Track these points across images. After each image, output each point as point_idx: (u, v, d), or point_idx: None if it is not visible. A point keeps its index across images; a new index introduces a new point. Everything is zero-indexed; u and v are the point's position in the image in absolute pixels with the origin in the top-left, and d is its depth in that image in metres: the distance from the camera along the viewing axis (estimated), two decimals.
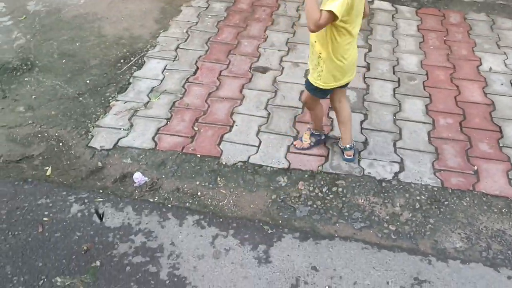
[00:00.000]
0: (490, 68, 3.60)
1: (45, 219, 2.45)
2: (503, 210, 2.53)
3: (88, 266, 2.23)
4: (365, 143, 2.94)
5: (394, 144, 2.93)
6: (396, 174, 2.74)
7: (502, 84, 3.44)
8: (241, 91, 3.37)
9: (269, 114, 3.17)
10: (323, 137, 2.89)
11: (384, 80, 3.49)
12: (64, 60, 3.68)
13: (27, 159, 2.86)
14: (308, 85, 2.58)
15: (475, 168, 2.77)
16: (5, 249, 2.30)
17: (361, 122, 3.10)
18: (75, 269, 2.21)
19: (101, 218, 2.46)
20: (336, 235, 2.41)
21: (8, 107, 3.24)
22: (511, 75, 3.54)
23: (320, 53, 2.39)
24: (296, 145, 2.88)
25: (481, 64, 3.66)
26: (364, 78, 3.50)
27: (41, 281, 2.16)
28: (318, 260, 2.28)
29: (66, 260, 2.25)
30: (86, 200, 2.57)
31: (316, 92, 2.58)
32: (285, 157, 2.85)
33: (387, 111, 3.19)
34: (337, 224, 2.47)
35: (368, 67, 3.61)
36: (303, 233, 2.41)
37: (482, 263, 2.28)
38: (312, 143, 2.87)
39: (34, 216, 2.47)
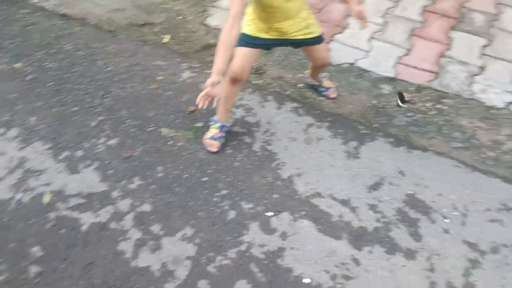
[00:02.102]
0: None
1: (159, 78, 2.67)
2: None
3: (191, 124, 2.43)
4: (482, 68, 2.77)
5: None
6: (509, 104, 2.58)
7: None
8: None
9: (386, 22, 3.06)
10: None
11: None
12: None
13: (148, 25, 3.06)
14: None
15: None
16: (123, 95, 2.55)
17: (483, 47, 2.90)
18: (179, 125, 2.43)
19: (401, 101, 2.55)
20: (430, 148, 2.38)
21: None
22: None
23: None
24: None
25: None
26: (497, 3, 3.21)
27: (150, 128, 2.40)
28: (407, 166, 2.29)
29: (173, 116, 2.47)
30: (197, 70, 2.73)
31: None
32: (393, 67, 2.78)
33: None
34: (433, 140, 2.43)
35: None
36: (397, 140, 2.41)
37: None
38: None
39: (150, 73, 2.69)
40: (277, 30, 2.08)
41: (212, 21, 3.07)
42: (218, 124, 2.34)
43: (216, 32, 2.99)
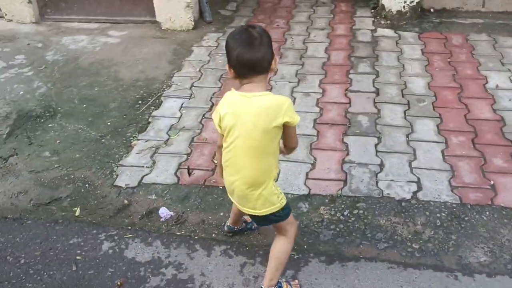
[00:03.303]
0: (497, 86, 3.70)
1: (78, 257, 2.54)
2: None
3: None
4: (381, 165, 3.02)
5: (410, 164, 3.00)
6: (415, 193, 2.80)
7: (510, 100, 3.53)
8: None
9: None
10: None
11: (394, 103, 3.59)
12: (84, 105, 3.84)
13: (55, 201, 2.97)
14: None
15: (492, 182, 2.82)
16: None
17: (376, 145, 3.19)
18: None
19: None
20: (361, 256, 2.46)
21: (34, 153, 3.38)
22: None
23: None
24: None
25: (487, 82, 3.76)
26: (375, 102, 3.61)
27: None
28: (346, 282, 2.33)
29: None
30: (116, 237, 2.65)
31: None
32: (305, 184, 2.92)
33: (400, 133, 3.28)
34: (361, 246, 2.52)
35: (377, 92, 3.73)
36: (329, 257, 2.47)
37: (508, 276, 2.31)
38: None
39: (67, 255, 2.55)
40: None
41: (122, 181, 3.06)
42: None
43: (128, 191, 2.98)
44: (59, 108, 3.82)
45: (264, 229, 2.65)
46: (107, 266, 2.48)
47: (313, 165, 3.06)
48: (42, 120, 3.70)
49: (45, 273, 2.45)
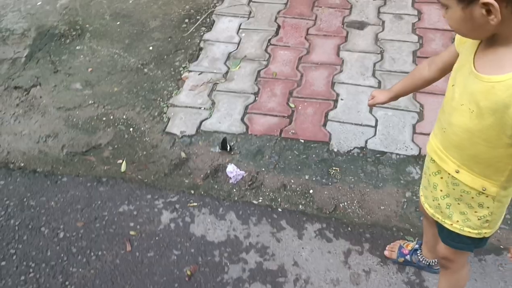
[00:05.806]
0: None
1: (131, 232, 1.98)
2: None
3: None
4: None
5: None
6: None
7: None
8: (338, 54, 2.75)
9: (379, 82, 2.56)
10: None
11: None
12: (118, 22, 3.09)
13: (94, 149, 2.37)
14: (456, 238, 1.38)
15: None
16: (90, 275, 1.84)
17: None
18: None
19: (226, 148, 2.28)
20: (501, 246, 1.88)
21: (62, 83, 2.72)
22: None
23: (484, 188, 1.22)
24: None
25: None
26: None
27: None
28: (488, 284, 1.77)
29: None
30: (177, 205, 2.07)
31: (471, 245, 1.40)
32: (412, 140, 2.27)
33: None
34: (499, 231, 1.93)
35: None
36: None
37: None
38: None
39: (118, 229, 1.99)
40: None
41: (176, 127, 2.42)
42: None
43: (185, 140, 2.35)
44: (87, 25, 3.08)
45: (364, 201, 2.06)
46: (171, 247, 1.92)
47: (420, 115, 2.38)
48: (68, 41, 2.98)
49: (92, 254, 1.91)
